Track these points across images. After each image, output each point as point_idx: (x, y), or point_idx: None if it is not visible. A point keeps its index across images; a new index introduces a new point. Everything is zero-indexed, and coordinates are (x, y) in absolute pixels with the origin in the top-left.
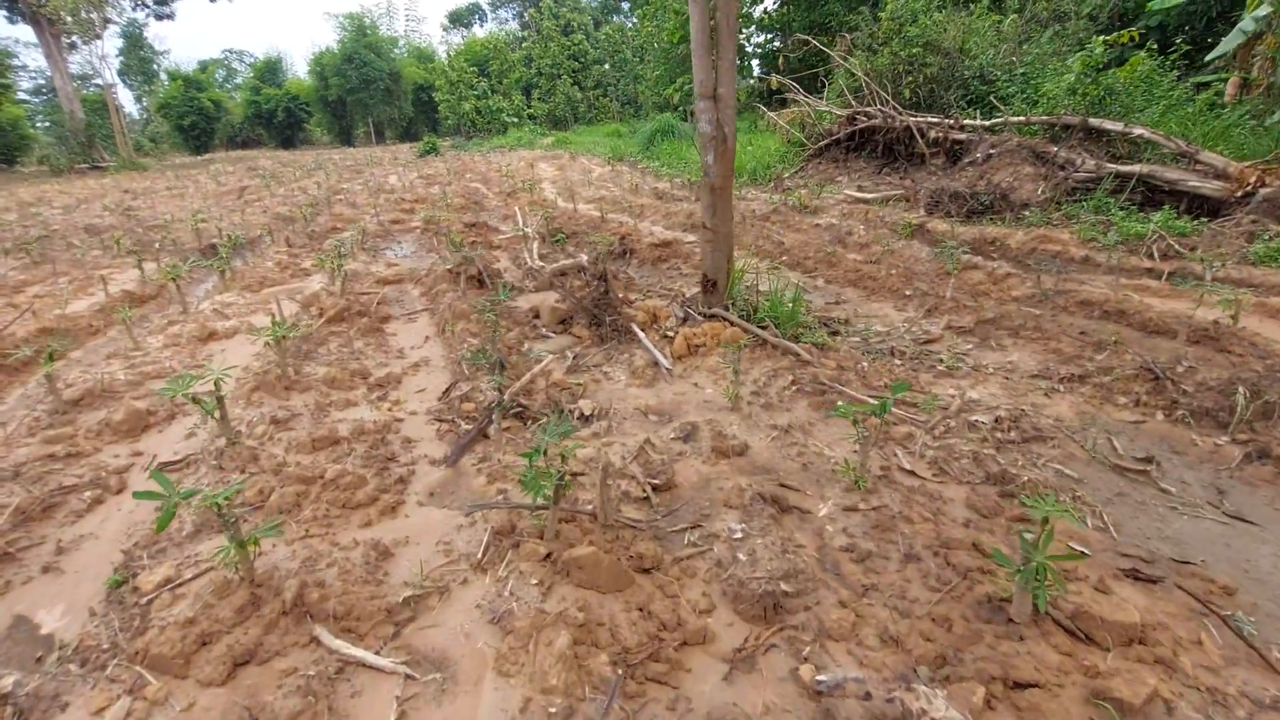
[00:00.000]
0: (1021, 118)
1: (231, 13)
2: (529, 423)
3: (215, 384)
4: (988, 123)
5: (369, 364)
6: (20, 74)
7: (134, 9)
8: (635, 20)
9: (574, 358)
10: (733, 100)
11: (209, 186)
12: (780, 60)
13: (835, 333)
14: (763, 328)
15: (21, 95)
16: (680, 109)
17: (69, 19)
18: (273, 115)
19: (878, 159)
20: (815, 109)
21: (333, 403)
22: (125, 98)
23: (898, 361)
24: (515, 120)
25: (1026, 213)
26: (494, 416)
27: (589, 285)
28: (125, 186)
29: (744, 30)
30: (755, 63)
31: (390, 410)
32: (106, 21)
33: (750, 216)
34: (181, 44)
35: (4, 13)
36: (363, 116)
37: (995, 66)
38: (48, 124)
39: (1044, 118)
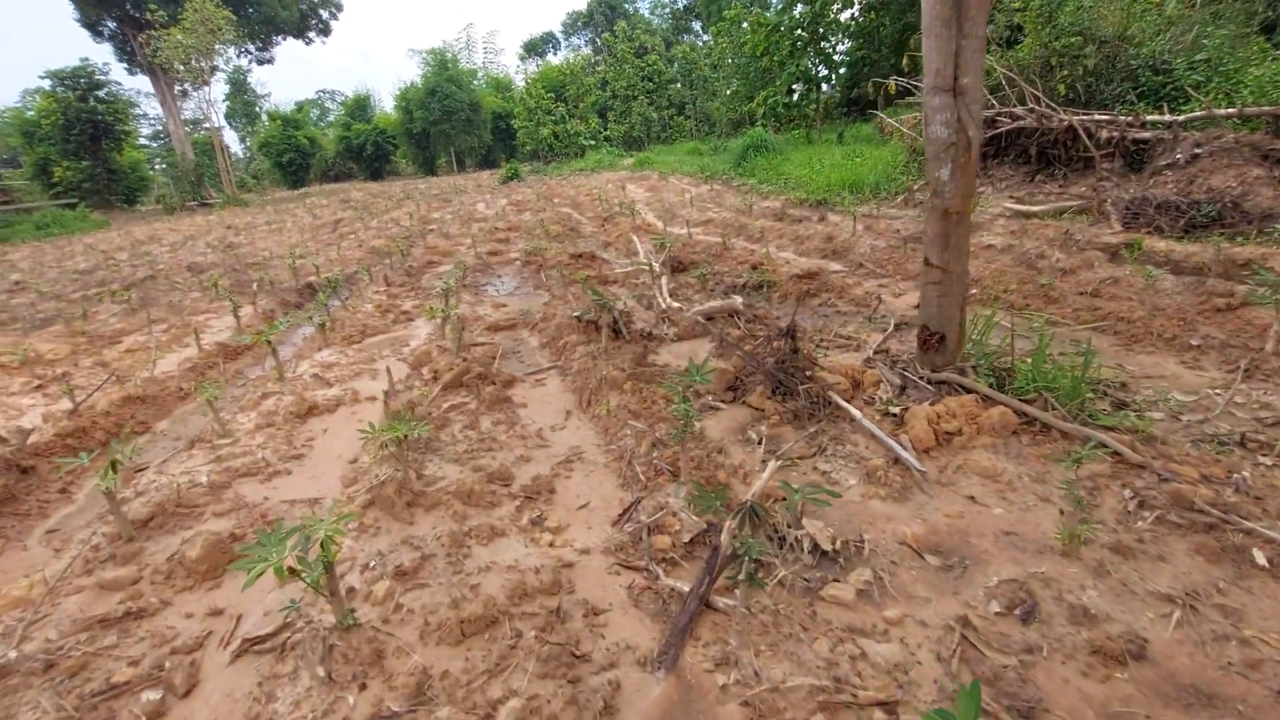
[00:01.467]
0: (1230, 110)
1: (325, 54)
2: (754, 567)
3: (323, 547)
4: (1181, 117)
5: (506, 459)
6: (141, 121)
7: (239, 56)
8: (708, 38)
9: (762, 443)
10: (979, 94)
11: (305, 220)
12: (868, 69)
13: (1122, 405)
14: (1027, 400)
15: (142, 140)
16: (764, 123)
17: (180, 68)
18: (362, 149)
19: (1027, 165)
20: None
21: (472, 532)
22: (231, 139)
23: (1267, 461)
24: (592, 143)
25: (1278, 226)
26: (715, 572)
27: (764, 340)
28: (229, 222)
29: (829, 39)
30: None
31: (552, 546)
32: (214, 69)
33: (892, 235)
34: (281, 86)
35: (124, 66)
36: (445, 146)
37: (1168, 53)
38: (163, 166)
39: (1270, 109)
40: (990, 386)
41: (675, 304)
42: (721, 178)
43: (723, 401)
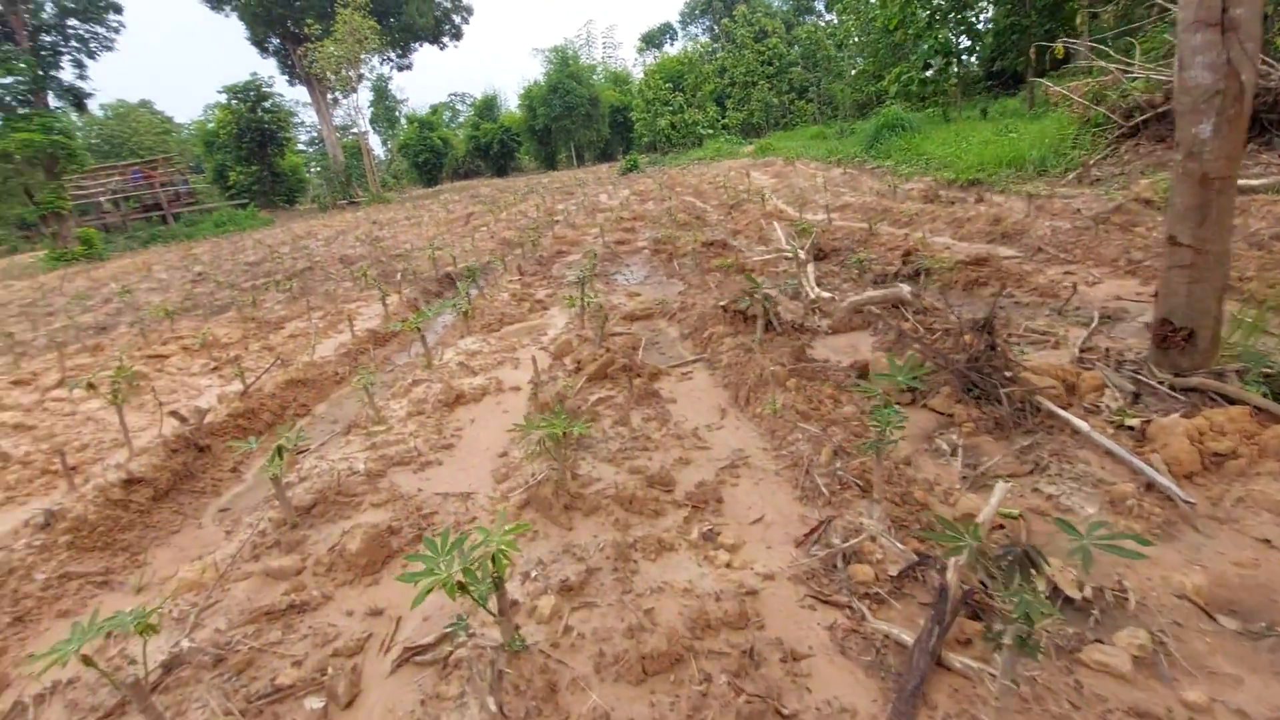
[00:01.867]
0: None
1: (456, 58)
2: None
3: (495, 562)
4: None
5: (664, 461)
6: (299, 129)
7: (381, 64)
8: (832, 17)
9: (957, 455)
10: (1257, 29)
11: (440, 215)
12: (1017, 37)
13: None
14: None
15: (300, 146)
16: (895, 101)
17: (332, 77)
18: (489, 147)
19: None
20: (1119, 79)
21: (638, 544)
22: (374, 142)
23: None
24: (710, 132)
25: None
26: (946, 621)
27: (943, 334)
28: (373, 218)
29: (972, 6)
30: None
31: (730, 568)
32: (360, 77)
33: (1073, 216)
34: (418, 91)
35: (286, 78)
36: (565, 141)
37: None
38: (317, 169)
39: None
40: (1265, 397)
41: (825, 293)
42: (853, 161)
43: (899, 403)
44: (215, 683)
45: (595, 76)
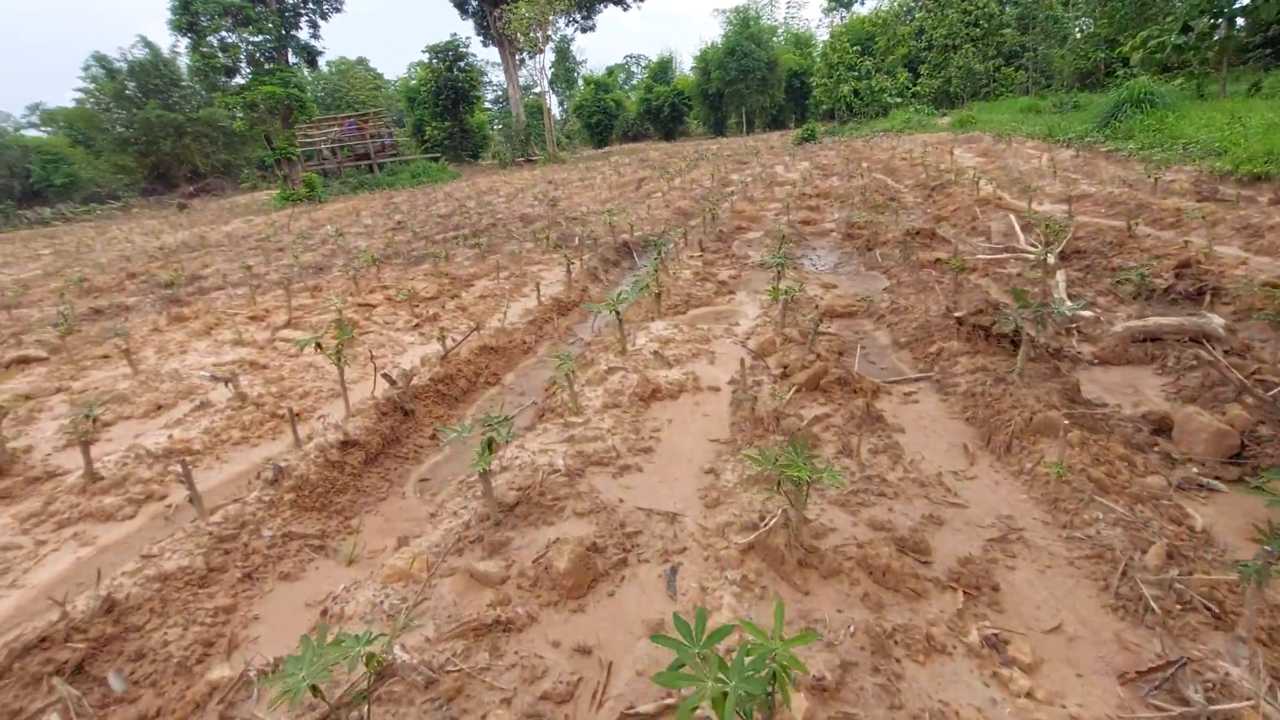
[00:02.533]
0: None
1: (637, 20)
2: None
3: (776, 682)
4: None
5: (910, 515)
6: (486, 88)
7: (567, 25)
8: None
9: None
10: None
11: (611, 178)
12: None
13: None
14: None
15: (485, 105)
16: (1141, 71)
17: (521, 38)
18: (660, 110)
19: None
20: None
21: (898, 635)
22: (551, 102)
23: None
24: (898, 100)
25: None
26: None
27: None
28: (549, 177)
29: None
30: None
31: (1031, 699)
32: (547, 38)
33: None
34: (596, 53)
35: (480, 39)
36: (736, 107)
37: None
38: (499, 126)
39: None
40: None
41: (1086, 311)
42: (1083, 141)
43: (1219, 478)
44: (427, 708)
45: (775, 39)
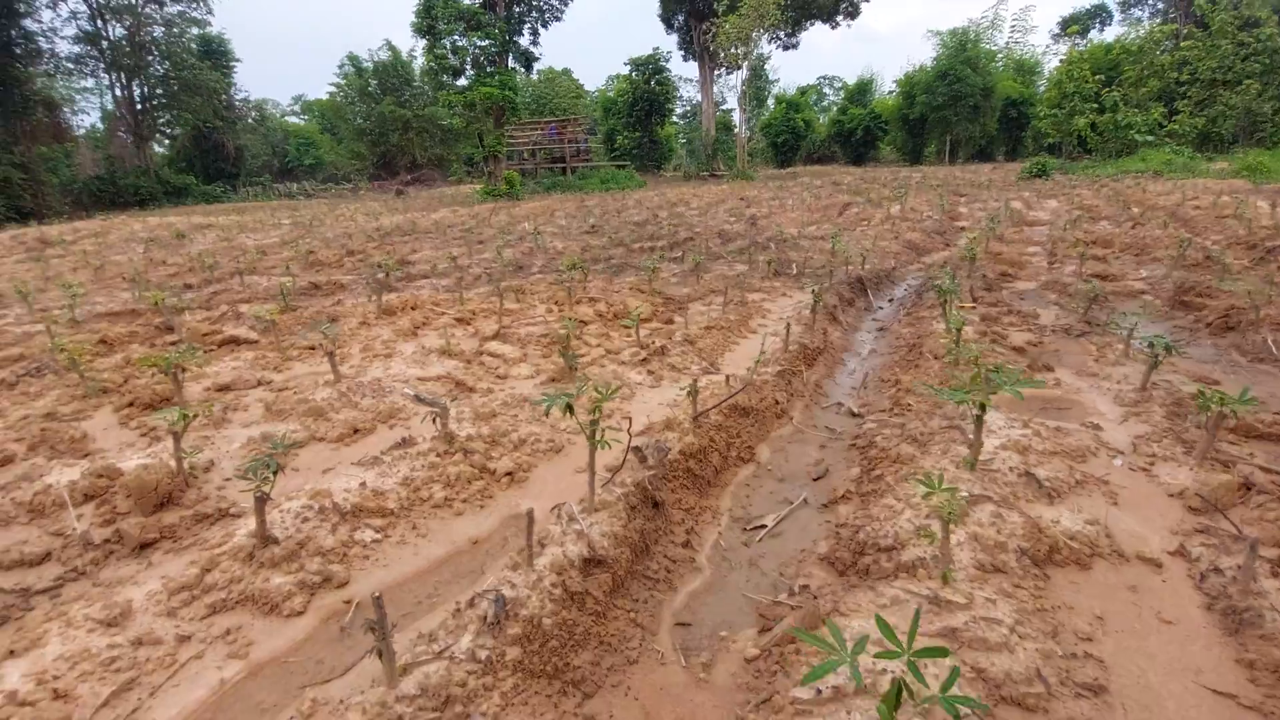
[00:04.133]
0: None
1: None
2: None
3: None
4: None
5: None
6: (675, 101)
7: (768, 42)
8: None
9: None
10: None
11: (806, 199)
12: None
13: None
14: None
15: (673, 119)
16: None
17: (721, 53)
18: (852, 133)
19: None
20: None
21: None
22: (738, 118)
23: None
24: (1149, 139)
25: None
26: None
27: None
28: (739, 194)
29: None
30: None
31: None
32: (747, 54)
33: None
34: (787, 72)
35: (682, 53)
36: (940, 134)
37: None
38: (683, 140)
39: None
40: None
41: None
42: None
43: None
44: None
45: (996, 64)
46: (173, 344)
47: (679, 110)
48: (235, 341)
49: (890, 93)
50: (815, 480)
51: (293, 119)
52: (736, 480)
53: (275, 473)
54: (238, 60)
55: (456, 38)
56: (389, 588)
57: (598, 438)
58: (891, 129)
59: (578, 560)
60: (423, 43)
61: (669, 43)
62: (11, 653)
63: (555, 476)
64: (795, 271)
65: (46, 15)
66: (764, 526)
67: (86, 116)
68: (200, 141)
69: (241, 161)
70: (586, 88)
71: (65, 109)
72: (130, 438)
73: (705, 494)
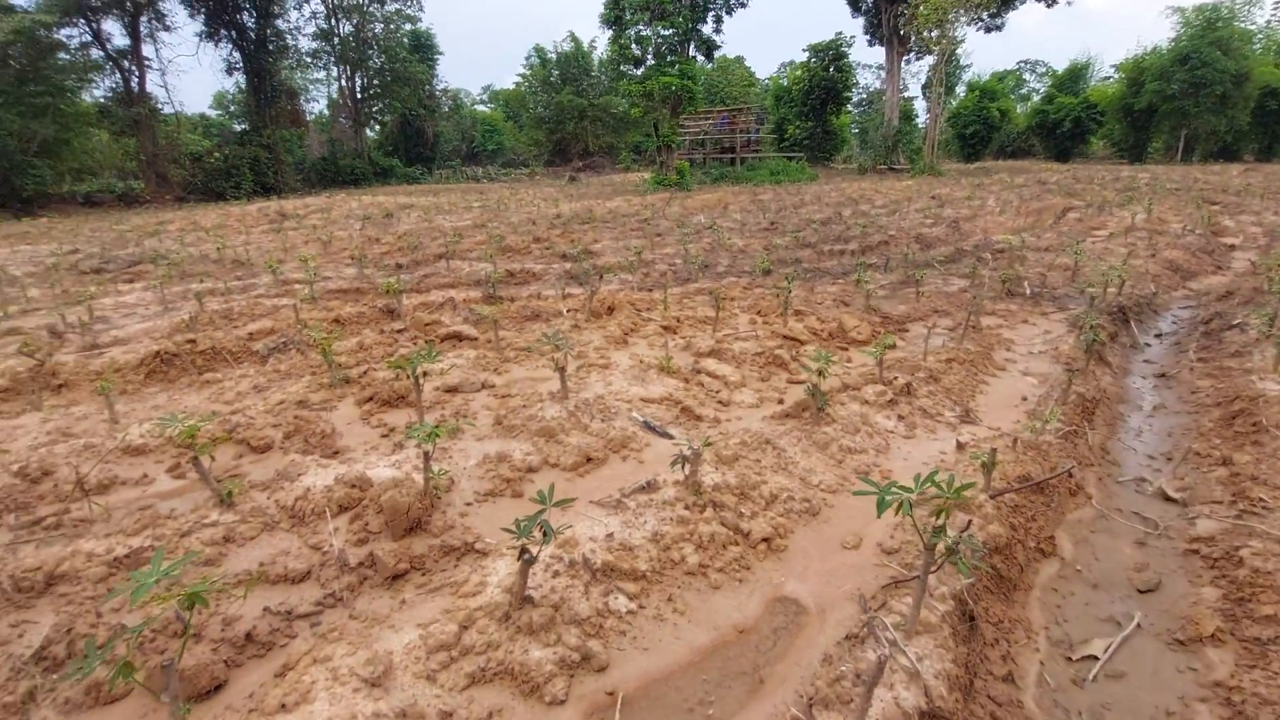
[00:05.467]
0: None
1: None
2: None
3: None
4: None
5: None
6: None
7: (970, 23)
8: None
9: None
10: None
11: (1011, 200)
12: None
13: None
14: None
15: (850, 107)
16: None
17: (913, 36)
18: (1057, 125)
19: None
20: None
21: None
22: (920, 108)
23: None
24: None
25: None
26: None
27: None
28: (929, 191)
29: None
30: None
31: None
32: (945, 37)
33: None
34: (981, 57)
35: (868, 38)
36: (1171, 128)
37: None
38: (856, 130)
39: None
40: None
41: None
42: None
43: None
44: None
45: (1252, 46)
46: (399, 331)
47: (856, 98)
48: (457, 337)
49: (1108, 79)
50: (1143, 593)
51: (481, 107)
52: (1040, 581)
53: (548, 539)
54: (440, 53)
55: (641, 27)
56: (652, 681)
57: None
58: (1108, 121)
59: (915, 715)
60: (606, 34)
61: (852, 26)
62: (283, 707)
63: (817, 548)
64: (1029, 292)
65: (294, 15)
66: (1094, 658)
67: (316, 104)
68: (405, 127)
69: (437, 146)
70: (758, 75)
71: (301, 97)
72: (373, 438)
73: (1010, 600)
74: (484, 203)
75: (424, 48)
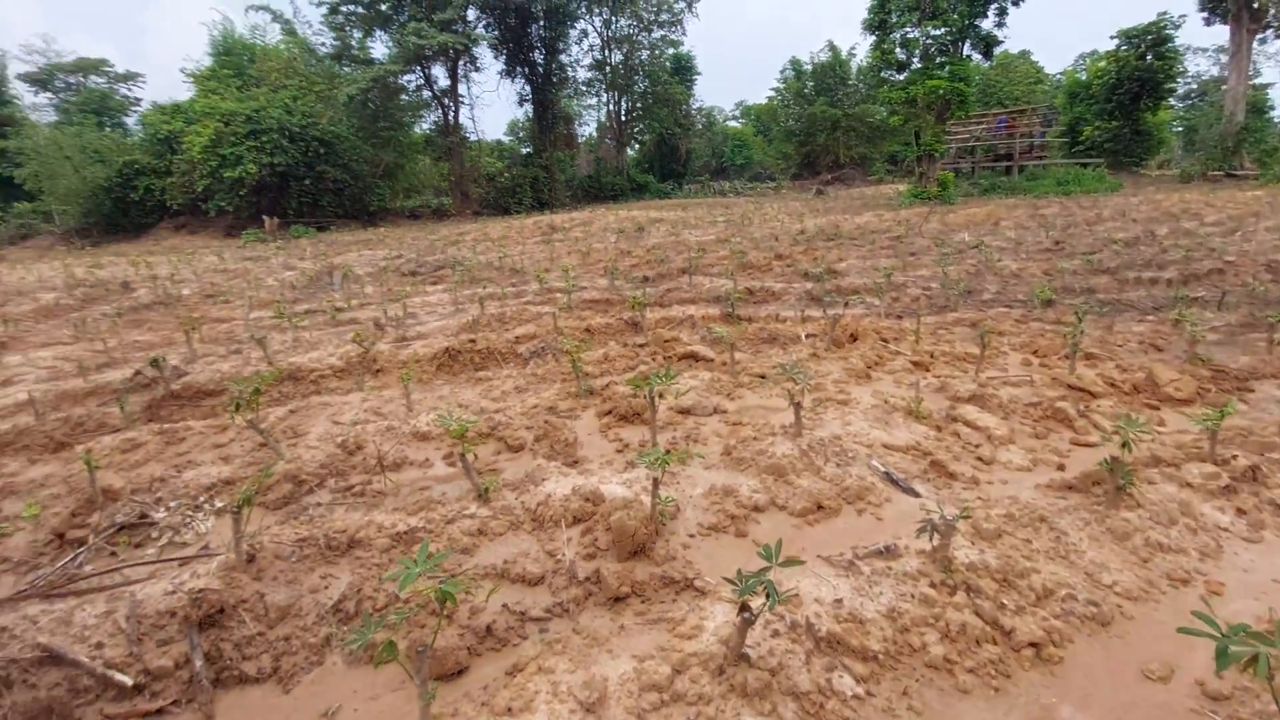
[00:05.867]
0: None
1: None
2: None
3: None
4: None
5: None
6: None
7: None
8: None
9: None
10: None
11: None
12: None
13: None
14: None
15: (1172, 100)
16: None
17: (1271, 9)
18: None
19: None
20: None
21: None
22: (1276, 97)
23: None
24: None
25: None
26: None
27: None
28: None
29: None
30: None
31: None
32: None
33: None
34: None
35: (1203, 15)
36: None
37: None
38: (1179, 129)
39: None
40: None
41: None
42: None
43: None
44: None
45: None
46: (640, 346)
47: (1181, 90)
48: (694, 357)
49: None
50: None
51: (732, 123)
52: None
53: (771, 603)
54: (698, 74)
55: (908, 29)
56: None
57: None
58: None
59: None
60: (867, 40)
61: (1180, 4)
62: (509, 710)
63: (1106, 670)
64: None
65: (574, 50)
66: None
67: (586, 127)
68: (661, 145)
69: (689, 162)
70: (1047, 71)
71: (575, 122)
72: (608, 452)
73: None
74: (728, 217)
75: (684, 69)
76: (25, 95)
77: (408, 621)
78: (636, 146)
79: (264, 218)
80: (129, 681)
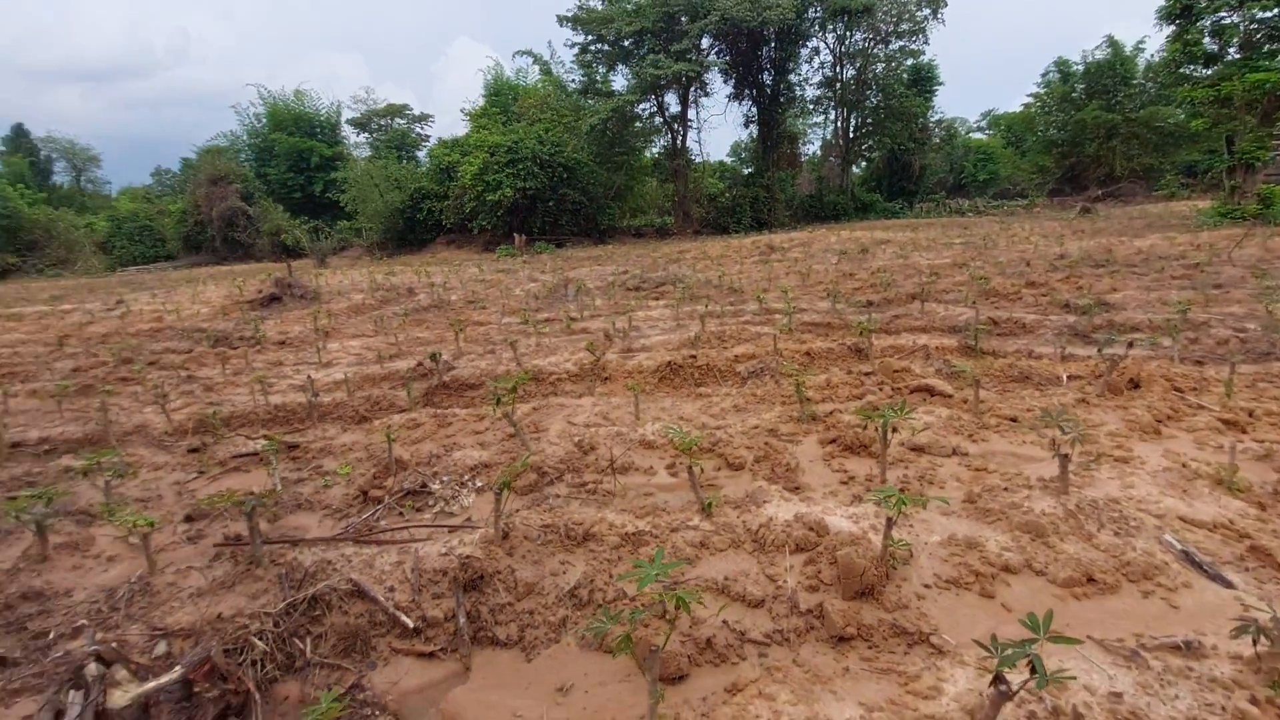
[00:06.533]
0: None
1: None
2: None
3: None
4: None
5: None
6: None
7: None
8: None
9: None
10: None
11: None
12: None
13: None
14: None
15: None
16: None
17: None
18: None
19: None
20: None
21: None
22: None
23: None
24: None
25: None
26: None
27: None
28: None
29: None
30: None
31: None
32: None
33: None
34: None
35: None
36: None
37: None
38: None
39: None
40: None
41: None
42: None
43: None
44: None
45: None
46: (866, 374)
47: None
48: (928, 390)
49: None
50: None
51: (977, 135)
52: None
53: (1040, 683)
54: (940, 84)
55: (1223, 14)
56: None
57: None
58: None
59: None
60: (1164, 31)
61: None
62: None
63: None
64: None
65: (804, 68)
66: None
67: (810, 146)
68: (891, 162)
69: (922, 179)
70: None
71: (800, 141)
72: (832, 482)
73: None
74: (967, 239)
75: (923, 80)
76: (351, 136)
77: (638, 620)
78: (864, 164)
79: (515, 235)
80: (411, 624)
